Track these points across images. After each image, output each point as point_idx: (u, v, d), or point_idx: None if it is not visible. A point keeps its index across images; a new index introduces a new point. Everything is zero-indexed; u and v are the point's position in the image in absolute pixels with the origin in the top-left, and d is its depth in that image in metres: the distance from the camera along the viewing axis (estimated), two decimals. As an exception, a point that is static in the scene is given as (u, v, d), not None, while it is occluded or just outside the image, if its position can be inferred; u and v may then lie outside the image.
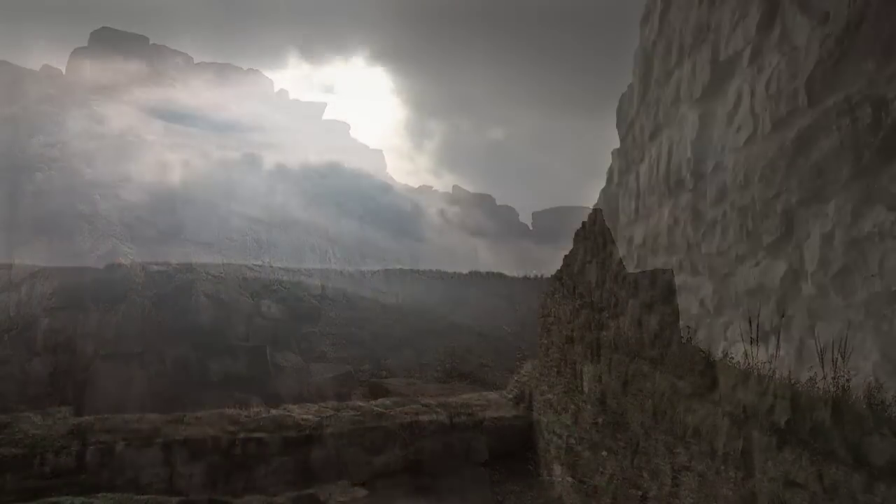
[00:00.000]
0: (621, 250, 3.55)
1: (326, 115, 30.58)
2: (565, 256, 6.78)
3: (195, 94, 24.16)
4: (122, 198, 19.54)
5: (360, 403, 10.09)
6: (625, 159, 3.42)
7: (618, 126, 3.57)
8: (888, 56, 1.09)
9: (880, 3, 1.10)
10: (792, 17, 1.43)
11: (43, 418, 7.94)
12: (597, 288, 4.47)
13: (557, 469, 6.22)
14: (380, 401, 10.39)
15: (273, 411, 8.93)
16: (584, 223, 5.21)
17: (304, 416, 8.71)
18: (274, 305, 20.78)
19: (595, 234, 4.51)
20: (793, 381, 1.48)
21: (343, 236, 26.32)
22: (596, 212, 4.51)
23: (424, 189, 34.75)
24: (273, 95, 28.84)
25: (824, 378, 1.32)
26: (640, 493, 2.98)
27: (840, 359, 1.27)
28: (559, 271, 7.26)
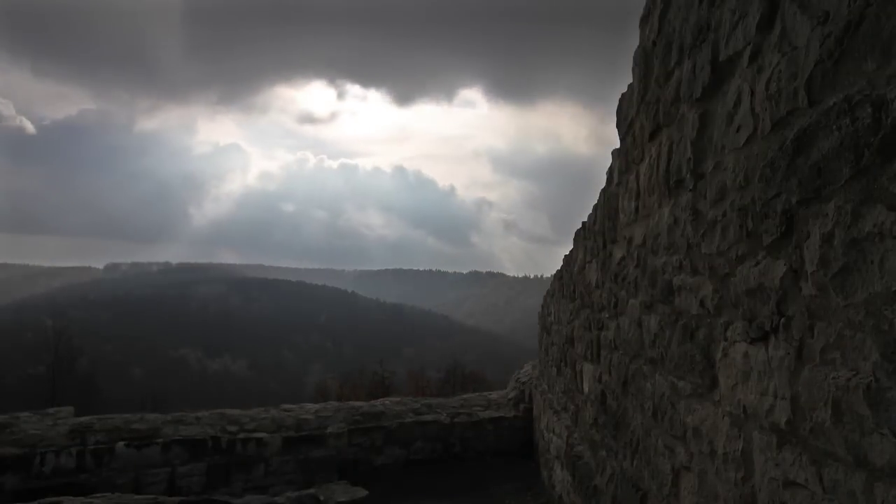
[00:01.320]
0: (621, 250, 3.55)
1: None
2: (565, 256, 6.79)
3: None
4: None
5: (360, 403, 10.09)
6: (625, 159, 3.42)
7: (618, 126, 3.57)
8: (888, 56, 1.09)
9: (880, 3, 1.10)
10: (792, 17, 1.43)
11: (43, 418, 7.94)
12: (597, 288, 4.48)
13: (557, 469, 6.23)
14: (380, 401, 10.40)
15: (273, 411, 8.94)
16: (583, 223, 5.22)
17: (304, 416, 8.72)
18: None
19: (595, 234, 4.52)
20: (792, 382, 1.48)
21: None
22: (596, 211, 4.52)
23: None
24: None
25: (824, 378, 1.32)
26: (640, 493, 2.98)
27: (840, 359, 1.27)
28: (559, 271, 7.27)
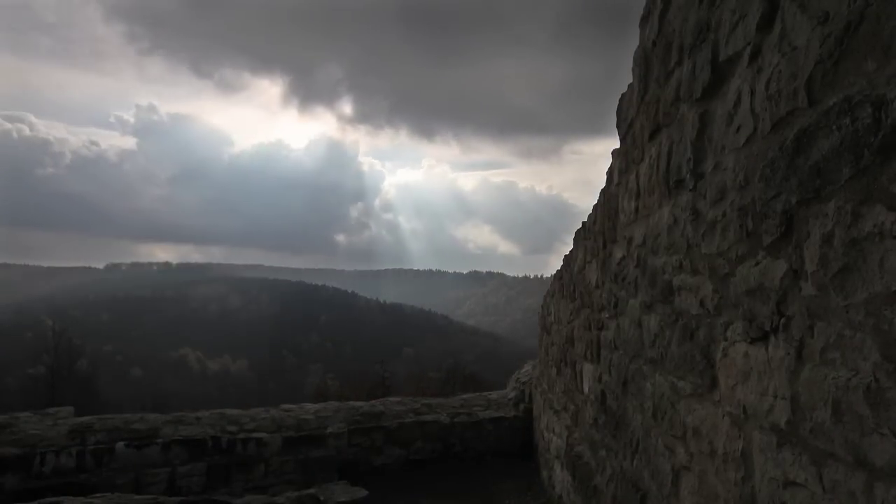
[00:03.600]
0: (621, 250, 3.56)
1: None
2: (565, 256, 6.79)
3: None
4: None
5: (360, 403, 10.09)
6: (625, 159, 3.42)
7: (618, 126, 3.57)
8: (888, 56, 1.09)
9: (880, 3, 1.10)
10: (792, 17, 1.43)
11: (43, 418, 7.94)
12: (597, 288, 4.48)
13: (557, 469, 6.23)
14: (380, 401, 10.40)
15: (273, 411, 8.94)
16: (583, 223, 5.22)
17: (304, 416, 8.72)
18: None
19: (595, 234, 4.52)
20: (792, 382, 1.48)
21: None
22: (596, 211, 4.52)
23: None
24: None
25: (824, 378, 1.32)
26: (640, 493, 2.98)
27: (840, 359, 1.27)
28: (559, 271, 7.27)
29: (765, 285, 1.61)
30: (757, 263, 1.66)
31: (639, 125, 3.02)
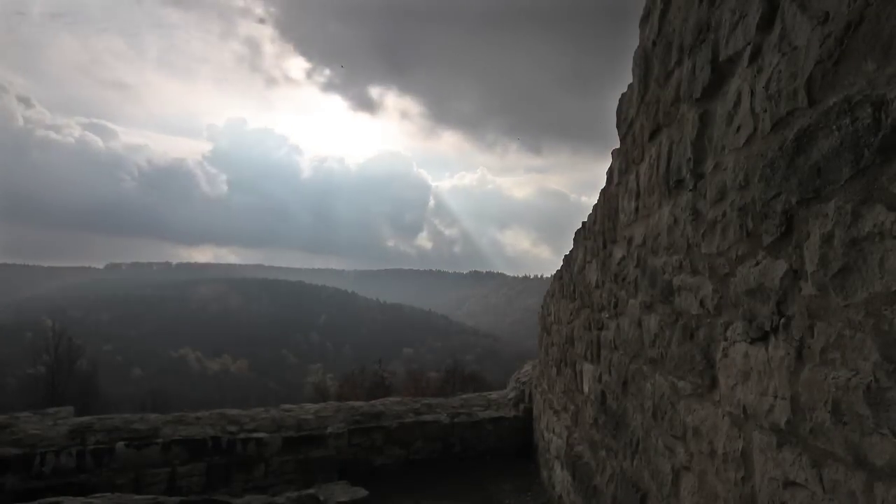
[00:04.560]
0: (621, 250, 3.56)
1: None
2: (565, 256, 6.79)
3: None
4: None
5: (360, 403, 10.09)
6: (625, 159, 3.42)
7: (618, 126, 3.57)
8: (888, 56, 1.09)
9: (880, 3, 1.10)
10: (792, 17, 1.43)
11: (43, 418, 7.94)
12: (597, 288, 4.48)
13: (557, 469, 6.23)
14: (380, 401, 10.40)
15: (273, 411, 8.94)
16: (583, 223, 5.22)
17: (304, 416, 8.72)
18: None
19: (595, 234, 4.52)
20: (792, 382, 1.48)
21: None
22: (596, 211, 4.52)
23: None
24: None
25: (824, 378, 1.32)
26: (640, 493, 2.98)
27: (840, 359, 1.27)
28: (559, 271, 7.27)
29: (765, 285, 1.61)
30: (757, 263, 1.66)
31: (639, 125, 3.02)
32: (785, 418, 1.50)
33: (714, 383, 2.05)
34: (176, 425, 7.95)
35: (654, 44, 2.68)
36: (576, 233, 5.72)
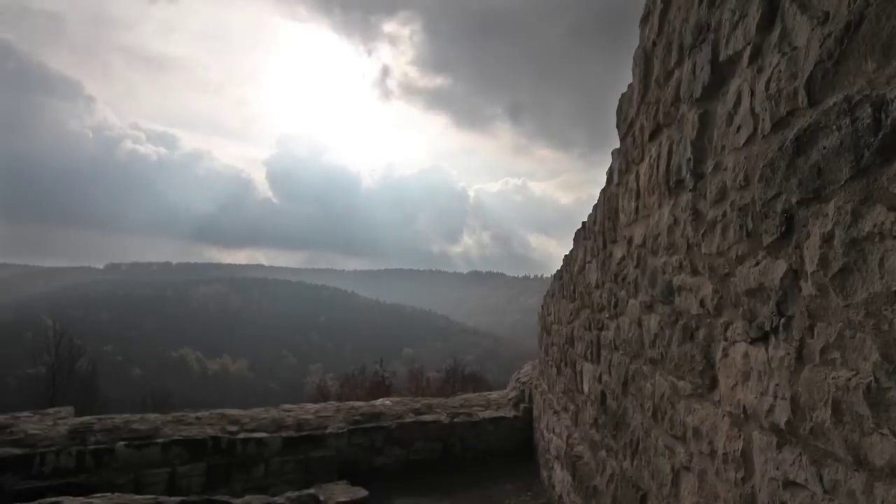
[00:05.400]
0: (621, 250, 3.56)
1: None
2: (565, 256, 6.79)
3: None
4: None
5: (360, 403, 10.10)
6: (625, 159, 3.42)
7: (618, 126, 3.57)
8: (888, 56, 1.09)
9: (880, 3, 1.10)
10: (792, 18, 1.43)
11: (43, 418, 7.94)
12: (597, 288, 4.48)
13: (557, 469, 6.23)
14: (380, 400, 10.40)
15: (273, 411, 8.95)
16: (583, 223, 5.22)
17: (304, 416, 8.72)
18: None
19: (595, 234, 4.52)
20: (792, 382, 1.48)
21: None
22: (596, 212, 4.52)
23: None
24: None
25: (824, 378, 1.32)
26: (640, 493, 2.98)
27: (840, 359, 1.27)
28: (559, 271, 7.27)
29: (765, 285, 1.61)
30: (757, 263, 1.66)
31: (639, 125, 3.02)
32: (785, 418, 1.50)
33: (714, 383, 2.05)
34: (176, 425, 7.95)
35: (654, 44, 2.68)
36: (576, 233, 5.72)
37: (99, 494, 4.85)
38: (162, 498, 4.85)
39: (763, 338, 1.64)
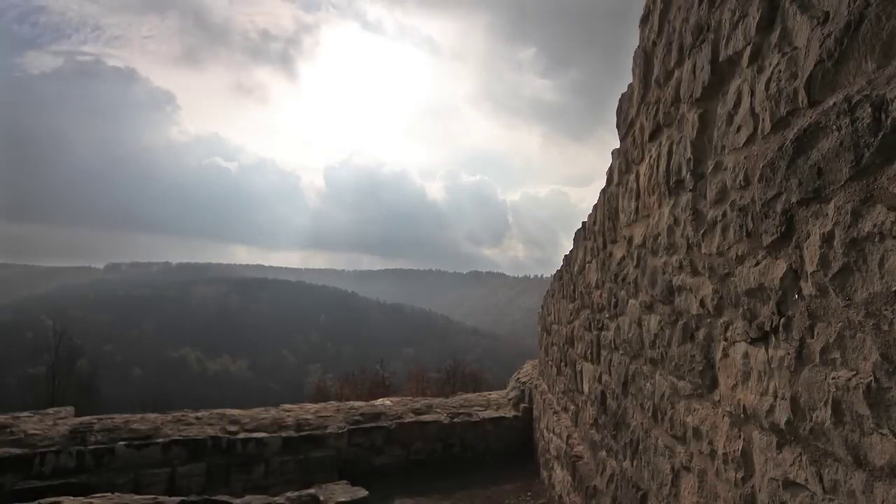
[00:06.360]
0: (621, 250, 3.56)
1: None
2: (565, 256, 6.79)
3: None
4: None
5: (360, 403, 10.09)
6: (625, 159, 3.42)
7: (618, 126, 3.57)
8: (888, 56, 1.09)
9: (880, 3, 1.10)
10: (792, 18, 1.43)
11: (43, 418, 7.94)
12: (597, 288, 4.48)
13: (557, 469, 6.23)
14: (380, 401, 10.40)
15: (273, 411, 8.95)
16: (583, 223, 5.22)
17: (304, 416, 8.72)
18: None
19: (595, 234, 4.52)
20: (792, 382, 1.48)
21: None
22: (596, 212, 4.52)
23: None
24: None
25: (824, 378, 1.32)
26: (640, 493, 2.98)
27: (840, 359, 1.27)
28: (559, 271, 7.27)
29: (765, 285, 1.61)
30: (757, 263, 1.66)
31: (639, 125, 3.02)
32: (785, 418, 1.50)
33: (714, 383, 2.05)
34: (176, 425, 7.95)
35: (654, 44, 2.68)
36: (576, 233, 5.72)
37: (99, 494, 4.85)
38: (162, 498, 4.85)
39: (763, 338, 1.64)
